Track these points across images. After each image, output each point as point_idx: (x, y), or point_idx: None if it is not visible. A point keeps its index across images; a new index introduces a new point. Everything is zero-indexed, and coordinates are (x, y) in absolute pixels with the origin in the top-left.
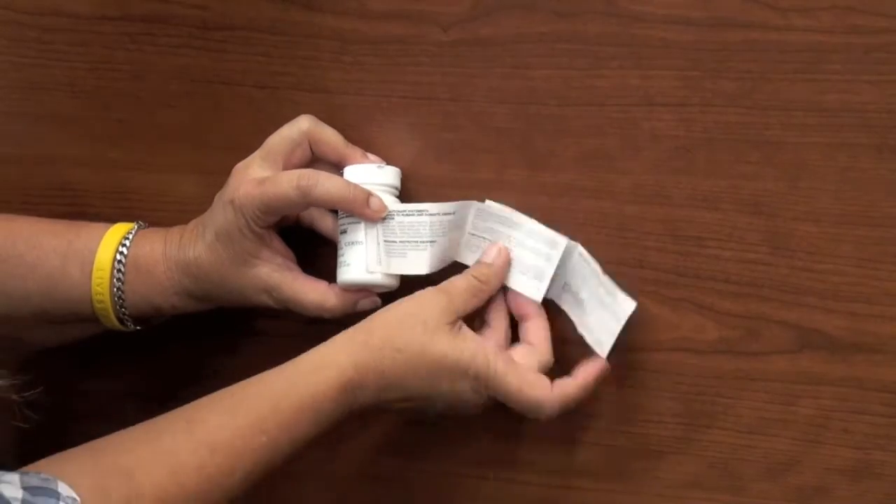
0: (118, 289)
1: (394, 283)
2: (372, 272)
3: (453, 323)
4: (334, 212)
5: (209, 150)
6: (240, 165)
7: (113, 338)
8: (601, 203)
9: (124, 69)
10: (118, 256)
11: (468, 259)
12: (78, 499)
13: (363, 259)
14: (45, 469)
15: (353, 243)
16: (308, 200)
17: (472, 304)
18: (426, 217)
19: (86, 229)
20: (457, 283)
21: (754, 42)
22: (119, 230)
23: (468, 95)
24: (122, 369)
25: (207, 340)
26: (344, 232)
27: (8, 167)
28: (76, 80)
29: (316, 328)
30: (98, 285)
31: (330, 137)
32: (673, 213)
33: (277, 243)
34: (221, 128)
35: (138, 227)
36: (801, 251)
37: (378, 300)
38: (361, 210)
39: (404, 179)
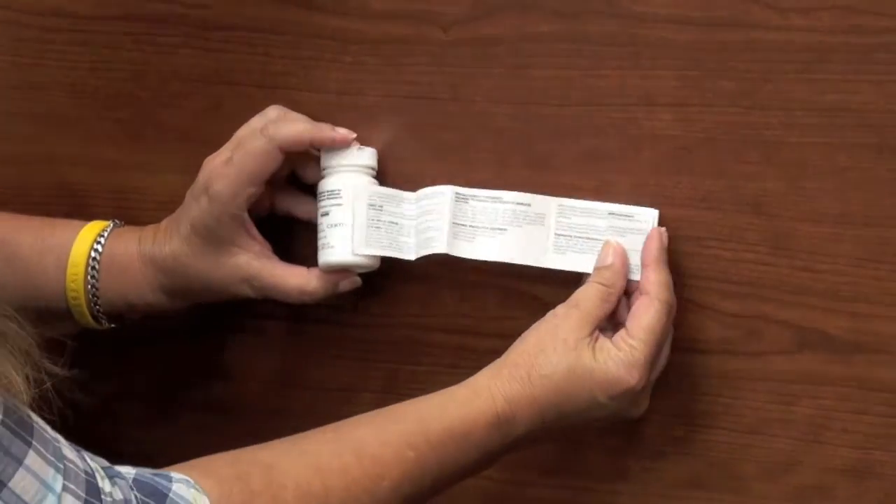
0: (92, 286)
1: (375, 263)
2: (357, 254)
3: (591, 335)
4: (312, 195)
5: (209, 150)
6: (209, 158)
7: (112, 337)
8: None
9: (124, 69)
10: (93, 254)
11: (558, 263)
12: (190, 479)
13: (348, 241)
14: (177, 469)
15: (336, 225)
16: (276, 143)
17: (604, 309)
18: (499, 204)
19: (61, 226)
20: (584, 293)
21: (754, 42)
22: (94, 228)
23: (468, 95)
24: (121, 369)
25: (206, 340)
26: (326, 214)
27: (8, 167)
28: (76, 80)
29: (319, 328)
30: (73, 282)
31: (297, 118)
32: (673, 212)
33: (254, 232)
34: (221, 128)
35: (113, 226)
36: (801, 251)
37: (358, 280)
38: (330, 136)
39: (409, 177)
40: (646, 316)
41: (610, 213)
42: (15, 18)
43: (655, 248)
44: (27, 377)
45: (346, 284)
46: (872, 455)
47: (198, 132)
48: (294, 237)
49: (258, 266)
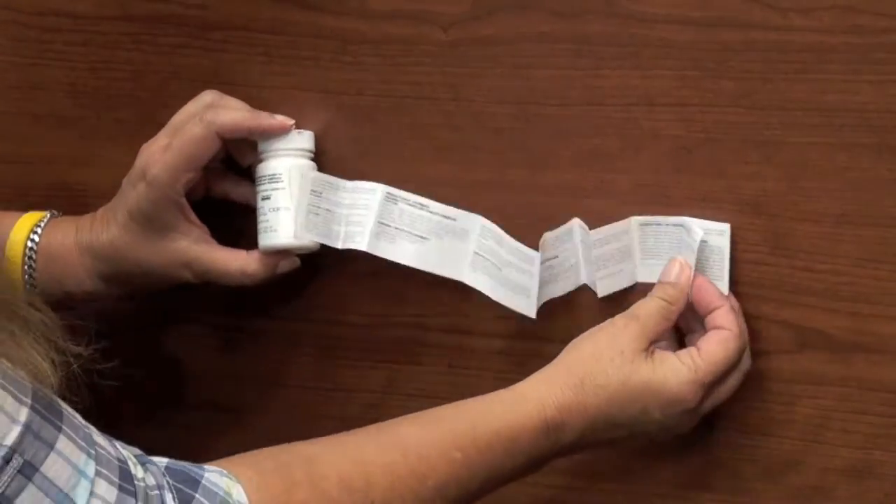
0: (30, 276)
1: (315, 246)
2: (299, 238)
3: (647, 348)
4: (248, 178)
5: None
6: (146, 144)
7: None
8: (601, 203)
9: (124, 69)
10: (29, 244)
11: (471, 280)
12: (223, 470)
13: (290, 224)
14: (214, 464)
15: (277, 209)
16: (215, 129)
17: (663, 326)
18: (426, 213)
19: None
20: (646, 307)
21: (754, 42)
22: (30, 218)
23: (468, 95)
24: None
25: (205, 340)
26: (267, 198)
27: (8, 167)
28: (76, 80)
29: (318, 328)
30: (11, 272)
31: (233, 104)
32: (673, 212)
33: (192, 216)
34: None
35: (50, 216)
36: (801, 251)
37: (297, 261)
38: (269, 124)
39: (408, 177)
40: (723, 345)
41: (677, 225)
42: (15, 18)
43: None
44: (53, 362)
45: (285, 265)
46: (872, 455)
47: None
48: (231, 220)
49: (198, 250)
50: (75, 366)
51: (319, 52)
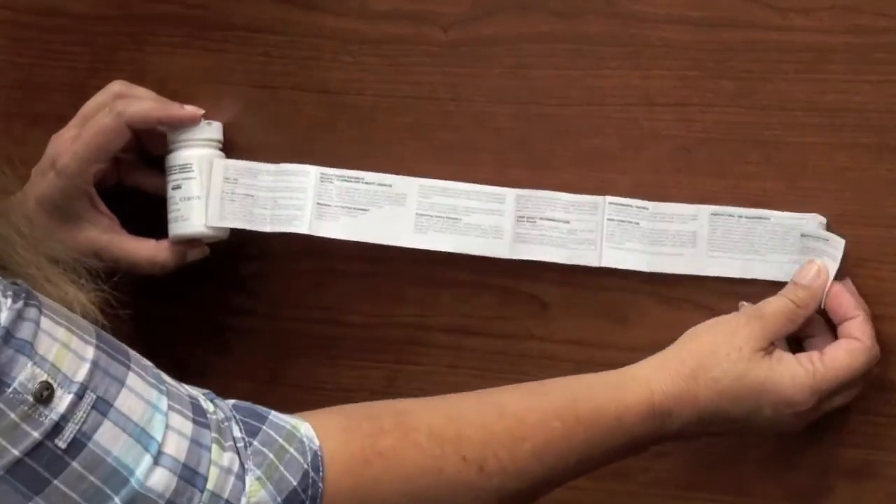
0: None
1: (225, 234)
2: (211, 226)
3: (767, 348)
4: (159, 168)
5: None
6: (56, 135)
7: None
8: None
9: (124, 69)
10: None
11: (418, 242)
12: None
13: (201, 213)
14: (303, 415)
15: (188, 198)
16: (124, 120)
17: (786, 329)
18: (361, 185)
19: None
20: (772, 306)
21: (754, 42)
22: None
23: (468, 95)
24: None
25: (205, 340)
26: (178, 187)
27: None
28: (76, 80)
29: (318, 328)
30: None
31: (143, 94)
32: None
33: (101, 206)
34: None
35: None
36: None
37: (207, 250)
38: (179, 115)
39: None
40: (851, 355)
41: (803, 235)
42: (15, 18)
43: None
44: (90, 300)
45: (194, 254)
46: (872, 455)
47: None
48: (143, 210)
49: (107, 239)
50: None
51: (319, 52)
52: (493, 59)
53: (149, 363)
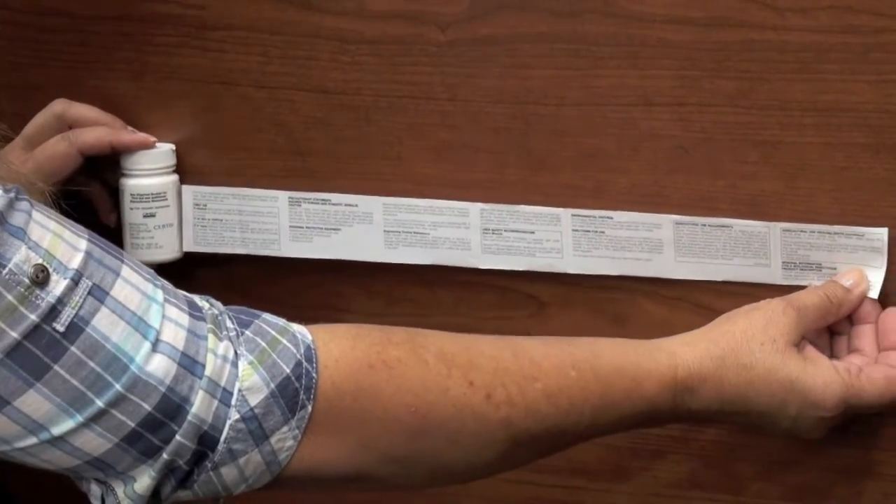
0: None
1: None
2: (184, 251)
3: (799, 343)
4: (116, 202)
5: (207, 149)
6: (2, 153)
7: None
8: (599, 203)
9: (123, 69)
10: None
11: (391, 257)
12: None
13: (175, 240)
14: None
15: (163, 226)
16: (77, 147)
17: (819, 323)
18: (329, 206)
19: None
20: (808, 299)
21: (752, 42)
22: None
23: (466, 95)
24: None
25: None
26: (151, 215)
27: None
28: (75, 80)
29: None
30: None
31: (86, 113)
32: (671, 212)
33: None
34: (220, 128)
35: None
36: None
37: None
38: (130, 140)
39: (407, 177)
40: (888, 383)
41: (837, 234)
42: (13, 18)
43: None
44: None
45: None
46: (872, 455)
47: (196, 132)
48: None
49: None
50: None
51: (318, 52)
52: (491, 58)
53: (143, 264)
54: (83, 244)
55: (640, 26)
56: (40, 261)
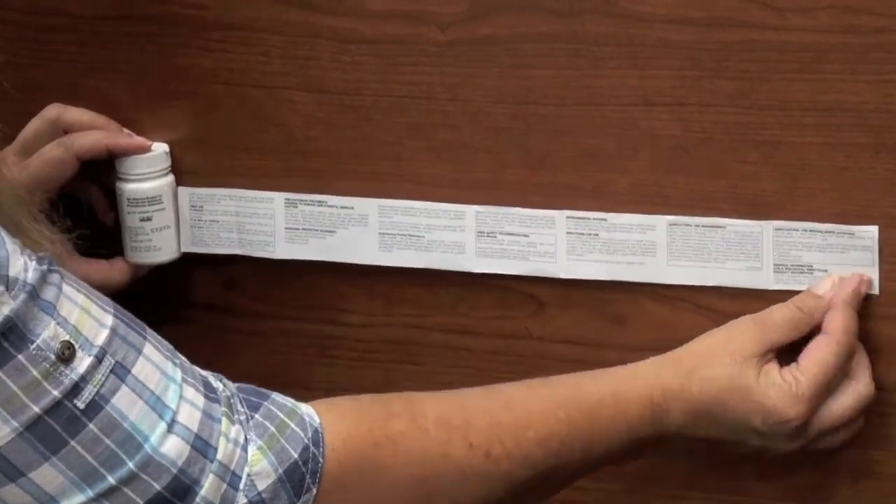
0: None
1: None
2: (182, 252)
3: (764, 355)
4: (114, 205)
5: (207, 149)
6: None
7: None
8: (599, 203)
9: (124, 69)
10: None
11: (386, 260)
12: (314, 413)
13: (173, 242)
14: (311, 404)
15: (161, 229)
16: (73, 152)
17: (789, 336)
18: (325, 208)
19: None
20: (775, 313)
21: (752, 42)
22: None
23: (466, 95)
24: None
25: (205, 340)
26: (148, 219)
27: None
28: (75, 80)
29: (318, 329)
30: None
31: (81, 117)
32: (671, 212)
33: (48, 233)
34: (220, 128)
35: None
36: None
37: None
38: (127, 143)
39: (407, 177)
40: (818, 352)
41: (828, 232)
42: (14, 18)
43: (850, 292)
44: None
45: (144, 269)
46: (871, 455)
47: (197, 132)
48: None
49: (59, 263)
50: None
51: (318, 52)
52: (492, 58)
53: (162, 338)
54: (109, 320)
55: (641, 26)
56: (67, 337)
